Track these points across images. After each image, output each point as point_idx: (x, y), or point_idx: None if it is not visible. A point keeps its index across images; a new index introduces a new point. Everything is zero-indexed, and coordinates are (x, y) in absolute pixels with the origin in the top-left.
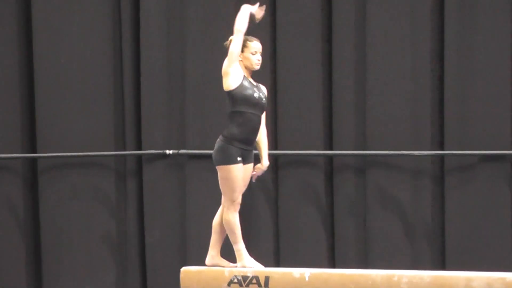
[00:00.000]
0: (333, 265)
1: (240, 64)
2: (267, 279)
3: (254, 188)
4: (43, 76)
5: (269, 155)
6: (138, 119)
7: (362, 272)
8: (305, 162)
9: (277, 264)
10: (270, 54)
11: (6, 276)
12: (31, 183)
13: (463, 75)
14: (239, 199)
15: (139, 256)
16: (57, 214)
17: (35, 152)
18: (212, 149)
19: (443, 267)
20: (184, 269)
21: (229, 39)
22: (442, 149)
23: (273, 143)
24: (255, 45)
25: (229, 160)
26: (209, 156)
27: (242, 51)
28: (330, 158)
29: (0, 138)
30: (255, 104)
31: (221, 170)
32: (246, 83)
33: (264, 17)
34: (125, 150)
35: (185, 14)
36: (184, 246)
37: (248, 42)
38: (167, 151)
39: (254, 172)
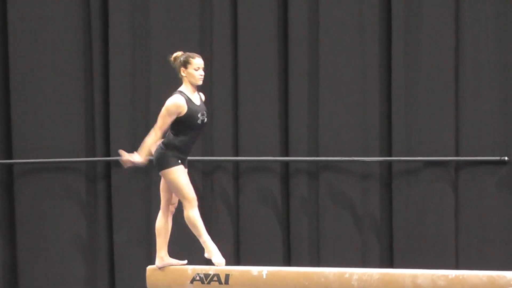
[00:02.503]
0: (288, 263)
1: (184, 80)
2: (227, 276)
3: (215, 191)
4: (18, 88)
5: (229, 160)
6: (107, 127)
7: (315, 270)
8: (262, 167)
9: (237, 262)
10: (232, 69)
11: None
12: (7, 187)
13: (410, 86)
14: (193, 194)
15: (108, 255)
16: (32, 215)
17: (11, 158)
18: None
19: (391, 264)
20: (149, 267)
21: (173, 55)
22: (390, 155)
23: (235, 150)
24: (198, 61)
25: (171, 164)
26: None
27: (186, 67)
28: (286, 163)
29: None
30: (198, 126)
31: (165, 174)
32: (190, 110)
33: (227, 35)
34: (95, 156)
35: (149, 28)
36: (149, 246)
37: (191, 59)
38: None
39: None
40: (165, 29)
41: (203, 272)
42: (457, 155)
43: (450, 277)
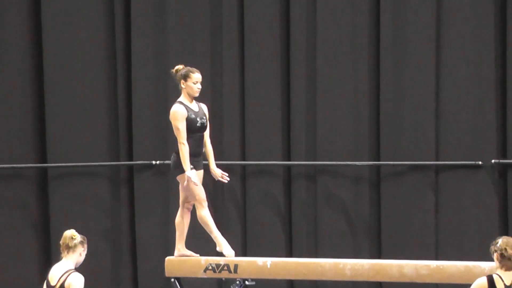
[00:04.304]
0: (290, 255)
1: (183, 91)
2: (236, 266)
3: (225, 192)
4: (51, 100)
5: (237, 165)
6: (130, 135)
7: (313, 261)
8: (266, 170)
9: (245, 254)
10: (239, 84)
11: (19, 269)
12: (43, 188)
13: (396, 100)
14: (203, 196)
15: (131, 248)
16: (63, 213)
17: (46, 162)
18: None
19: (379, 255)
20: (168, 258)
21: (175, 68)
22: (378, 160)
23: (241, 155)
24: (196, 76)
25: (184, 169)
26: None
27: (186, 80)
28: (288, 167)
29: (16, 150)
30: (199, 129)
31: (180, 179)
32: (190, 115)
33: (233, 50)
34: (119, 161)
35: (168, 44)
36: (167, 239)
37: (190, 73)
38: (154, 162)
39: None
40: (181, 45)
41: (215, 262)
42: (437, 160)
43: (431, 266)
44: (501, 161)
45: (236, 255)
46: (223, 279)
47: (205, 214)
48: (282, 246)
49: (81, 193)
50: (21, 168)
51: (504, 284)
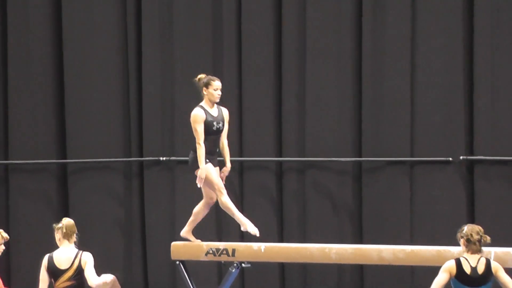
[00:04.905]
0: (281, 240)
1: (205, 97)
2: (233, 250)
3: (225, 185)
4: (71, 105)
5: (235, 160)
6: (140, 135)
7: (303, 246)
8: (261, 166)
9: (242, 239)
10: (237, 90)
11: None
12: (63, 182)
13: (375, 102)
14: (221, 185)
15: (141, 234)
16: (82, 204)
17: (66, 158)
18: None
19: (361, 241)
20: (173, 243)
21: (198, 77)
22: (360, 156)
23: (239, 152)
24: (217, 84)
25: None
26: None
27: (207, 87)
28: (280, 163)
29: (39, 147)
30: (214, 132)
31: (198, 173)
32: (208, 119)
33: (232, 58)
34: (131, 157)
35: (175, 53)
36: (173, 227)
37: (211, 81)
38: (161, 158)
39: (222, 174)
40: (186, 53)
41: (215, 247)
42: (412, 156)
43: (407, 251)
44: (468, 157)
45: (234, 240)
46: (222, 262)
47: (225, 200)
48: (274, 232)
49: (97, 185)
50: (43, 163)
51: (470, 266)
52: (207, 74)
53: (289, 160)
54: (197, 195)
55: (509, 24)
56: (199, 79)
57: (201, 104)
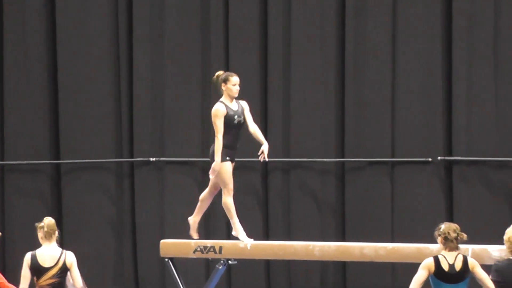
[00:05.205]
0: (267, 238)
1: (224, 93)
2: (220, 248)
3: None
4: (64, 108)
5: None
6: (131, 135)
7: (287, 243)
8: (247, 166)
9: (229, 238)
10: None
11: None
12: (56, 182)
13: (358, 105)
14: (231, 186)
15: (131, 232)
16: (75, 204)
17: (59, 159)
18: (183, 157)
19: (343, 238)
20: (162, 241)
21: (216, 74)
22: (343, 157)
23: None
24: (235, 79)
25: (221, 159)
26: (181, 162)
27: (226, 83)
28: (266, 163)
29: (34, 148)
30: (235, 125)
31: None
32: (229, 113)
33: (219, 62)
34: (122, 157)
35: (164, 56)
36: (162, 225)
37: (230, 77)
38: (151, 159)
39: (262, 153)
40: (176, 57)
41: (203, 244)
42: (393, 157)
43: (388, 248)
44: (446, 158)
45: (221, 238)
46: (210, 259)
47: (229, 201)
48: (260, 230)
49: (90, 185)
50: (38, 164)
51: (448, 263)
52: (225, 71)
53: (274, 160)
54: (186, 195)
55: (486, 28)
56: (218, 76)
57: (221, 99)
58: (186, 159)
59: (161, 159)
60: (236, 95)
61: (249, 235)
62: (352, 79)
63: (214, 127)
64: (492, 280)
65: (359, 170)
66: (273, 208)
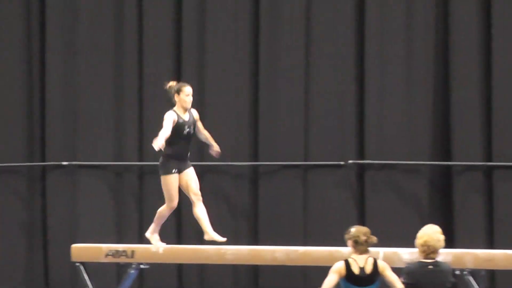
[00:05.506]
0: (180, 242)
1: (177, 104)
2: (132, 252)
3: (125, 189)
4: None
5: (135, 165)
6: (43, 139)
7: (200, 247)
8: None
9: (141, 242)
10: (137, 95)
11: None
12: None
13: (271, 110)
14: (175, 203)
15: (43, 237)
16: None
17: None
18: (95, 161)
19: (256, 241)
20: (74, 245)
21: (168, 84)
22: (257, 160)
23: (139, 157)
24: (188, 90)
25: (166, 172)
26: (93, 166)
27: (179, 93)
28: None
29: None
30: (185, 136)
31: (161, 179)
32: (179, 121)
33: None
34: (33, 161)
35: (78, 62)
36: (74, 229)
37: (183, 87)
38: (63, 163)
39: (215, 152)
40: (89, 63)
41: (115, 249)
42: (306, 160)
43: (299, 251)
44: (358, 161)
45: (133, 242)
46: (121, 263)
47: (165, 213)
48: (173, 234)
49: (1, 189)
50: None
51: (358, 266)
52: (178, 81)
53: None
54: (98, 199)
55: (397, 34)
56: (170, 86)
57: (174, 108)
58: (99, 163)
59: (73, 163)
60: (189, 106)
61: (162, 239)
62: (265, 83)
63: (163, 125)
64: (403, 282)
65: (272, 174)
66: (186, 212)
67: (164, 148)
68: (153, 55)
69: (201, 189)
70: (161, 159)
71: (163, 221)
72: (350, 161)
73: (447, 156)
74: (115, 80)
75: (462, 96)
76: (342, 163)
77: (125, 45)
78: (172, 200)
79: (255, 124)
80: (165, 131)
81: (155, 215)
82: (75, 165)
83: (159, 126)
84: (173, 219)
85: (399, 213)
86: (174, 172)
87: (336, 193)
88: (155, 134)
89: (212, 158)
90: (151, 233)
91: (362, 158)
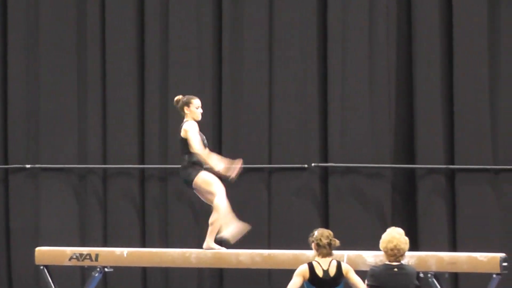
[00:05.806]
0: (144, 246)
1: (187, 115)
2: (97, 255)
3: (88, 190)
4: None
5: (99, 168)
6: (5, 142)
7: (164, 250)
8: (124, 173)
9: (105, 245)
10: (101, 96)
11: None
12: None
13: (235, 111)
14: (222, 189)
15: (5, 240)
16: None
17: None
18: (58, 163)
19: (220, 245)
20: (38, 248)
21: (176, 99)
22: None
23: (103, 159)
24: (197, 102)
25: (198, 171)
26: (57, 169)
27: (188, 106)
28: (142, 170)
29: None
30: (205, 145)
31: (197, 181)
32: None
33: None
34: None
35: (41, 64)
36: (38, 232)
37: (192, 100)
38: (26, 165)
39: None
40: (51, 64)
41: (79, 252)
42: (270, 163)
43: (264, 254)
44: (320, 164)
45: (97, 245)
46: (86, 266)
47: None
48: (137, 237)
49: None
50: None
51: (322, 269)
52: (186, 95)
53: (151, 167)
54: (62, 202)
55: (359, 37)
56: (178, 100)
57: (188, 119)
58: (62, 165)
59: (37, 165)
60: (200, 118)
61: (126, 242)
62: (229, 86)
63: (193, 142)
64: (368, 285)
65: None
66: (150, 215)
67: (188, 157)
68: (116, 57)
69: (164, 193)
70: (187, 169)
71: (218, 228)
72: (313, 164)
73: (410, 159)
74: (78, 82)
75: (425, 100)
76: (305, 166)
77: (87, 47)
78: (219, 187)
79: (218, 126)
80: (205, 154)
81: (118, 217)
82: (38, 167)
83: (122, 129)
84: (137, 222)
85: (363, 216)
86: (204, 168)
87: (300, 196)
88: (118, 137)
89: (174, 161)
90: (209, 243)
91: (326, 161)
